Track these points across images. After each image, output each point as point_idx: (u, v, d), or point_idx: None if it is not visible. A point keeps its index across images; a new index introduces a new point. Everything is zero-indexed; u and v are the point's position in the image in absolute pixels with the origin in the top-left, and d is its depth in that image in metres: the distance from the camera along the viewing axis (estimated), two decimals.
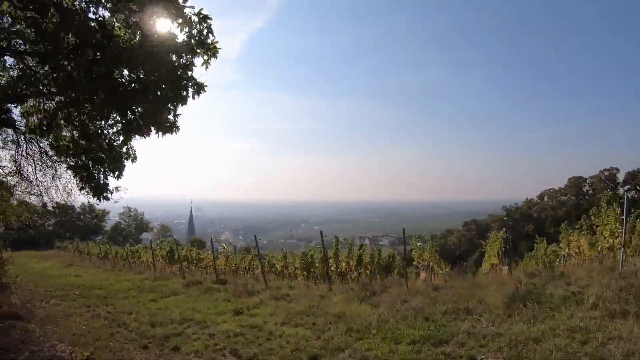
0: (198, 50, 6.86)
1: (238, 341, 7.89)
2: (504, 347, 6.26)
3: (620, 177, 71.58)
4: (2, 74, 8.53)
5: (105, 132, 8.45)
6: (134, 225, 74.47)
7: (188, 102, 7.26)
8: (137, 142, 8.44)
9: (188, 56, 6.95)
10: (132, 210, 75.41)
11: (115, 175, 8.87)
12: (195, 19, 6.59)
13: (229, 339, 8.07)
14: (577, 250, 13.72)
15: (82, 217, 66.47)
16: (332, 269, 14.30)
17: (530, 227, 68.89)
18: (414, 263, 15.45)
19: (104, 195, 9.10)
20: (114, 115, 7.87)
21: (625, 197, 10.60)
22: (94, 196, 9.11)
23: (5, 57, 8.16)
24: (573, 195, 76.24)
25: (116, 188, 9.41)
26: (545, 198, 79.76)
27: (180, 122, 7.65)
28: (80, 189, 9.36)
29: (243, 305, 10.81)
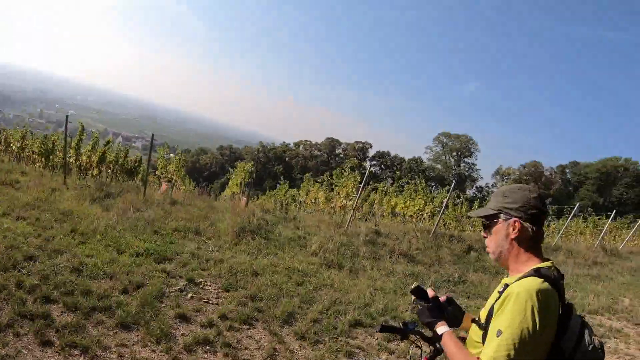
0: None
1: None
2: (224, 274, 6.60)
3: (372, 152, 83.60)
4: None
5: None
6: None
7: None
8: None
9: None
10: None
11: None
12: None
13: None
14: (313, 201, 15.47)
15: None
16: (72, 160, 13.24)
17: (279, 168, 74.89)
18: (158, 173, 15.07)
19: None
20: None
21: (368, 170, 12.40)
22: None
23: None
24: (326, 153, 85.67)
25: None
26: (301, 147, 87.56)
27: None
28: None
29: None
